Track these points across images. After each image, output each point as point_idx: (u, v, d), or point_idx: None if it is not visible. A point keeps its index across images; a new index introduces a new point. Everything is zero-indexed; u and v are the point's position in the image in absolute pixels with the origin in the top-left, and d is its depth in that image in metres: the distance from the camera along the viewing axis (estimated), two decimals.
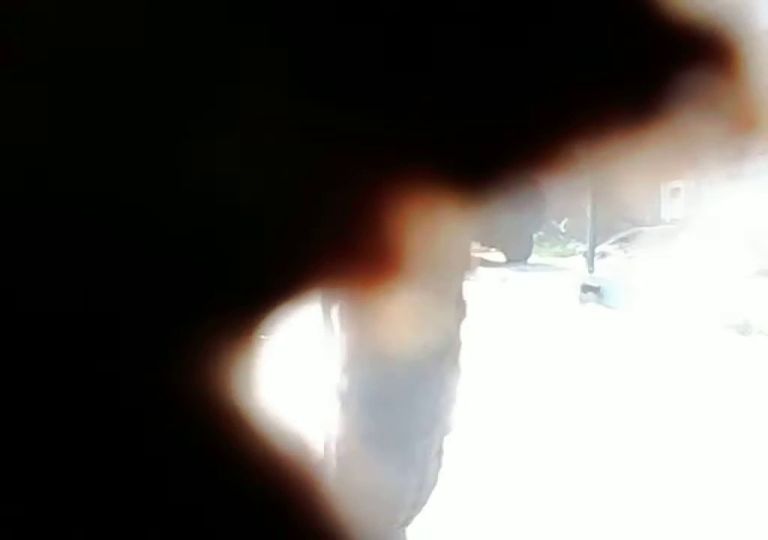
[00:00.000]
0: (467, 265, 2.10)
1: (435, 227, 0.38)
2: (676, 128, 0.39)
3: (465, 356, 2.17)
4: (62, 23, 0.36)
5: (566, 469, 3.74)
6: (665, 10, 0.38)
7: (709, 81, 0.39)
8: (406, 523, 2.15)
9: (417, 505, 2.16)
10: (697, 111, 0.38)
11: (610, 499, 3.44)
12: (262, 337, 0.38)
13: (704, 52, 0.38)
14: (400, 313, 0.40)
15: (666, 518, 3.33)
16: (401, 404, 2.10)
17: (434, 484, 2.18)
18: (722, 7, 0.39)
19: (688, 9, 0.38)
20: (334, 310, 2.09)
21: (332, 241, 0.38)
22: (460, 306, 2.13)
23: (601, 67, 0.38)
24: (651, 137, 0.39)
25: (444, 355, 2.11)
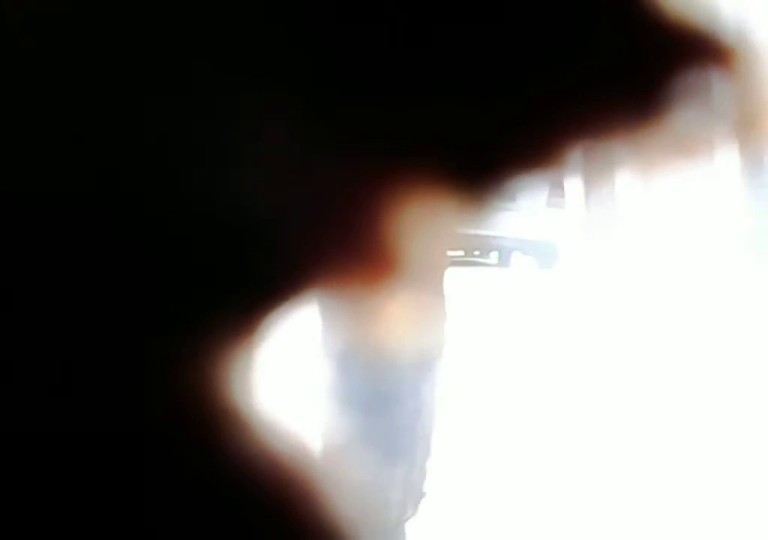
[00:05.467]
0: (447, 263, 2.10)
1: (432, 226, 0.38)
2: (674, 127, 0.39)
3: (452, 358, 2.17)
4: (73, 23, 0.36)
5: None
6: (663, 10, 0.38)
7: (709, 81, 0.39)
8: (401, 522, 2.15)
9: (406, 504, 2.16)
10: (697, 111, 0.38)
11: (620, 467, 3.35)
12: (262, 337, 0.38)
13: (703, 53, 0.38)
14: (396, 312, 0.40)
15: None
16: (391, 402, 2.11)
17: (422, 482, 2.18)
18: (721, 9, 0.39)
19: (687, 10, 0.38)
20: (329, 310, 2.08)
21: (329, 241, 0.38)
22: (444, 304, 2.13)
23: (599, 67, 0.38)
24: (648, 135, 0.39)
25: (437, 355, 2.12)
